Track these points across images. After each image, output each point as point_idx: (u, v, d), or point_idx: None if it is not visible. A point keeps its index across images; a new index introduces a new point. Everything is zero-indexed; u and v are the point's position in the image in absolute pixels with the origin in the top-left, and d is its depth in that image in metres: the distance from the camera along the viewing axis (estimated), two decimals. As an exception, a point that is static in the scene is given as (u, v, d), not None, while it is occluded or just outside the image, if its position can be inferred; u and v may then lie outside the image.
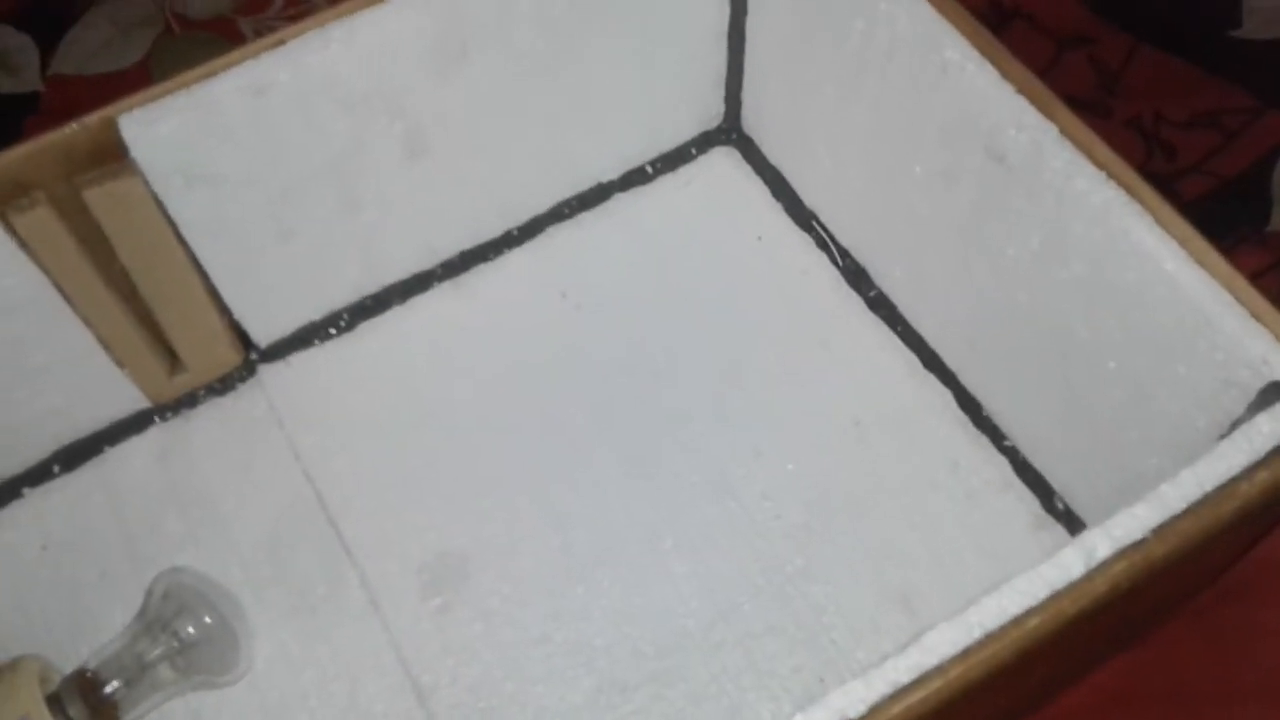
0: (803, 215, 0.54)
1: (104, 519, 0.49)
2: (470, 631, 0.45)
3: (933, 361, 0.50)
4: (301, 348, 0.52)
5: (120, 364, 0.48)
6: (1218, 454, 0.32)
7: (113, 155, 0.42)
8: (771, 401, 0.50)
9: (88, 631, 0.45)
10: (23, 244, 0.42)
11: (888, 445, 0.48)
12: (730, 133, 0.57)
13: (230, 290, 0.48)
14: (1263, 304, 0.35)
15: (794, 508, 0.47)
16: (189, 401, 0.51)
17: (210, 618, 0.43)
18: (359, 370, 0.52)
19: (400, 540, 0.47)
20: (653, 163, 0.56)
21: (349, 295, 0.52)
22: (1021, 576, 0.31)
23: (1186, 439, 0.38)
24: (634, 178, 0.56)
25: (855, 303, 0.52)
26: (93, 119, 0.41)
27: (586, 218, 0.55)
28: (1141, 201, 0.37)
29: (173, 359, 0.50)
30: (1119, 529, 0.31)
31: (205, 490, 0.49)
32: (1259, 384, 0.35)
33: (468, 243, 0.54)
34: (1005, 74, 0.40)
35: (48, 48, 0.64)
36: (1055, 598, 0.30)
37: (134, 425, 0.50)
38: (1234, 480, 0.32)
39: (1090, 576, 0.31)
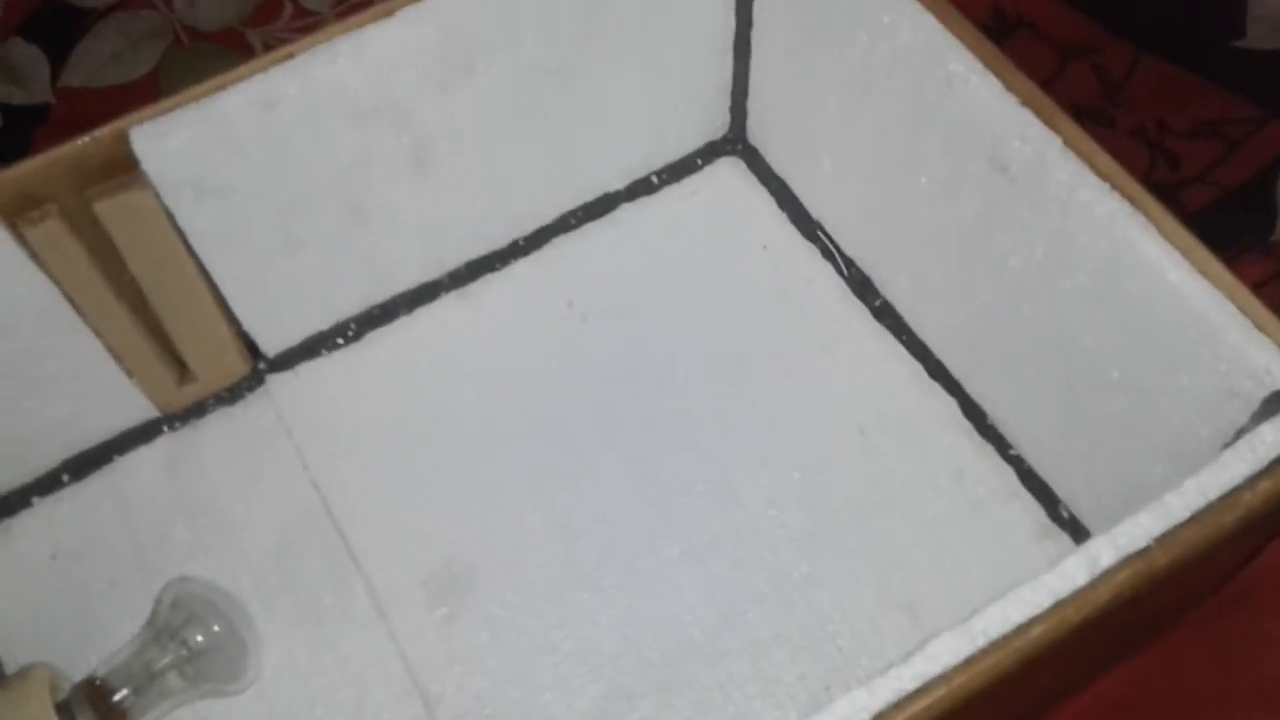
0: (808, 225, 0.55)
1: (113, 528, 0.49)
2: (476, 640, 0.45)
3: (937, 370, 0.50)
4: (309, 357, 0.52)
5: (130, 373, 0.48)
6: (1221, 463, 0.33)
7: (123, 168, 0.42)
8: (777, 410, 0.50)
9: (97, 640, 0.46)
10: (34, 255, 0.42)
11: (893, 453, 0.49)
12: (735, 143, 0.57)
13: (239, 300, 0.49)
14: (1265, 314, 0.36)
15: (799, 515, 0.47)
16: (197, 411, 0.51)
17: (219, 626, 0.43)
18: (366, 380, 0.52)
19: (407, 549, 0.48)
20: (658, 173, 0.56)
21: (356, 305, 0.53)
22: (1025, 585, 0.31)
23: (1190, 448, 0.38)
24: (639, 188, 0.56)
25: (860, 312, 0.52)
26: (104, 132, 0.41)
27: (592, 228, 0.55)
28: (1145, 212, 0.38)
29: (181, 369, 0.50)
30: (1123, 537, 0.31)
31: (213, 499, 0.49)
32: (1262, 394, 0.35)
33: (474, 253, 0.54)
34: (1009, 85, 0.40)
35: (58, 60, 0.65)
36: (1059, 606, 0.30)
37: (143, 434, 0.51)
38: (1237, 489, 0.32)
39: (1094, 585, 0.31)
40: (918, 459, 0.48)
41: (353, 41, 0.43)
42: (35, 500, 0.49)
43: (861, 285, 0.53)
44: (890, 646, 0.44)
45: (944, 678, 0.30)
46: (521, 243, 0.55)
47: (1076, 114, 0.43)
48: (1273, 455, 0.33)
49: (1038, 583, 0.31)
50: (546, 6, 0.46)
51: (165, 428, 0.51)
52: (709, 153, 0.57)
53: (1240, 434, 0.35)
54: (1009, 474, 0.48)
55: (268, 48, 0.64)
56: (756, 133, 0.56)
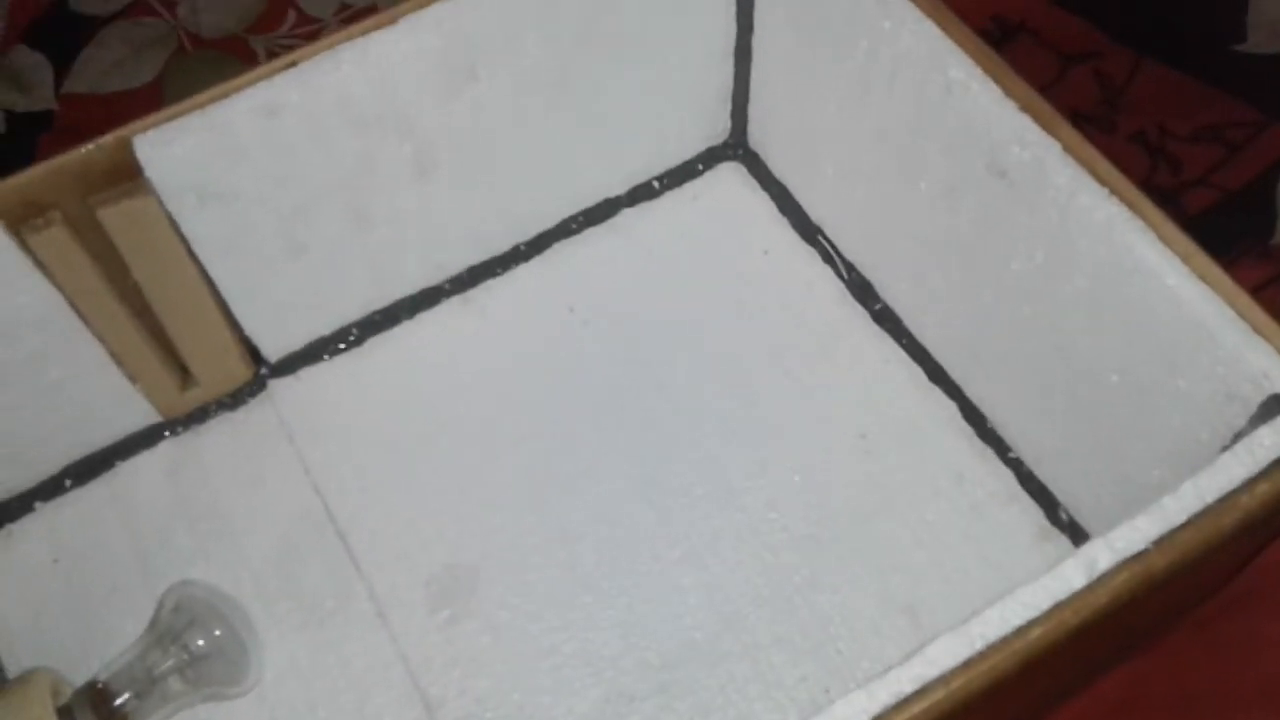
0: (808, 229, 0.55)
1: (115, 532, 0.49)
2: (478, 643, 0.46)
3: (938, 374, 0.50)
4: (311, 362, 0.53)
5: (132, 379, 0.48)
6: (1219, 466, 0.33)
7: (127, 175, 0.42)
8: (777, 414, 0.50)
9: (99, 644, 0.46)
10: (39, 262, 0.42)
11: (893, 457, 0.49)
12: (736, 148, 0.57)
13: (241, 306, 0.49)
14: (1264, 318, 0.36)
15: (800, 519, 0.47)
16: (200, 416, 0.51)
17: (221, 630, 0.43)
18: (368, 384, 0.52)
19: (408, 553, 0.48)
20: (659, 178, 0.57)
21: (358, 310, 0.53)
22: (1024, 588, 0.31)
23: (1189, 451, 0.38)
24: (641, 193, 0.56)
25: (861, 316, 0.52)
26: (108, 139, 0.41)
27: (594, 233, 0.56)
28: (1144, 218, 0.38)
29: (184, 374, 0.50)
30: (1120, 540, 0.31)
31: (215, 504, 0.49)
32: (1260, 397, 0.35)
33: (476, 258, 0.54)
34: (1008, 92, 0.40)
35: (62, 67, 0.65)
36: (1057, 609, 0.31)
37: (145, 439, 0.51)
38: (1234, 492, 0.32)
39: (1092, 588, 0.31)
40: (918, 462, 0.48)
41: (356, 49, 0.44)
42: (38, 505, 0.50)
43: (862, 289, 0.53)
44: (891, 649, 0.44)
45: (942, 680, 0.30)
46: (523, 248, 0.55)
47: (1077, 119, 0.43)
48: (1270, 458, 0.33)
49: (1036, 585, 0.31)
50: (548, 13, 0.47)
51: (167, 433, 0.51)
52: (710, 158, 0.57)
53: (1238, 437, 0.35)
54: (1009, 477, 0.48)
55: (271, 55, 0.64)
56: (757, 138, 0.57)
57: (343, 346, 0.53)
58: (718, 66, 0.54)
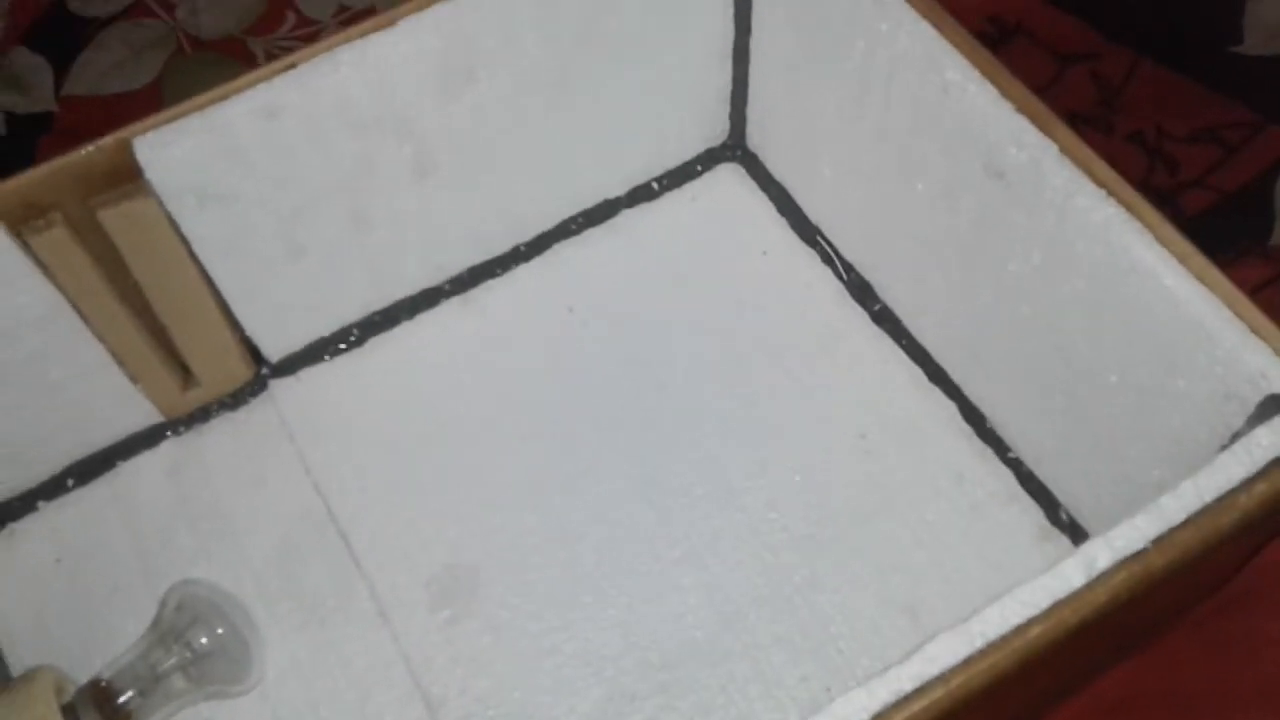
0: (807, 230, 0.55)
1: (117, 532, 0.49)
2: (479, 643, 0.46)
3: (937, 374, 0.50)
4: (312, 362, 0.53)
5: (134, 379, 0.48)
6: (1217, 466, 0.33)
7: (127, 176, 0.42)
8: (777, 414, 0.50)
9: (101, 643, 0.46)
10: (40, 263, 0.42)
11: (893, 457, 0.49)
12: (735, 149, 0.58)
13: (242, 307, 0.49)
14: (1261, 319, 0.36)
15: (800, 519, 0.48)
16: (201, 416, 0.51)
17: (223, 629, 0.43)
18: (368, 384, 0.52)
19: (409, 552, 0.48)
20: (659, 179, 0.57)
21: (359, 311, 0.53)
22: (1023, 586, 0.31)
23: (1188, 451, 0.39)
24: (640, 194, 0.57)
25: (860, 316, 0.53)
26: (108, 141, 0.41)
27: (593, 234, 0.56)
28: (1141, 219, 0.38)
29: (185, 374, 0.50)
30: (1119, 540, 0.32)
31: (217, 503, 0.49)
32: (1258, 397, 0.35)
33: (476, 259, 0.54)
34: (1005, 93, 0.40)
35: (61, 68, 0.65)
36: (1056, 607, 0.31)
37: (147, 439, 0.51)
38: (1233, 492, 0.32)
39: (1091, 586, 0.31)
40: (918, 462, 0.49)
41: (355, 50, 0.44)
42: (40, 504, 0.50)
43: (861, 290, 0.53)
44: (891, 648, 0.44)
45: (942, 679, 0.30)
46: (523, 248, 0.55)
47: (1074, 120, 0.44)
48: (1268, 458, 0.33)
49: (1035, 584, 0.31)
50: (547, 15, 0.47)
51: (169, 433, 0.51)
52: (709, 159, 0.57)
53: (1236, 437, 0.35)
54: (1008, 477, 0.48)
55: (270, 56, 0.64)
56: (756, 139, 0.57)
57: (343, 347, 0.53)
58: (716, 68, 0.54)
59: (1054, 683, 0.40)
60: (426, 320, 0.54)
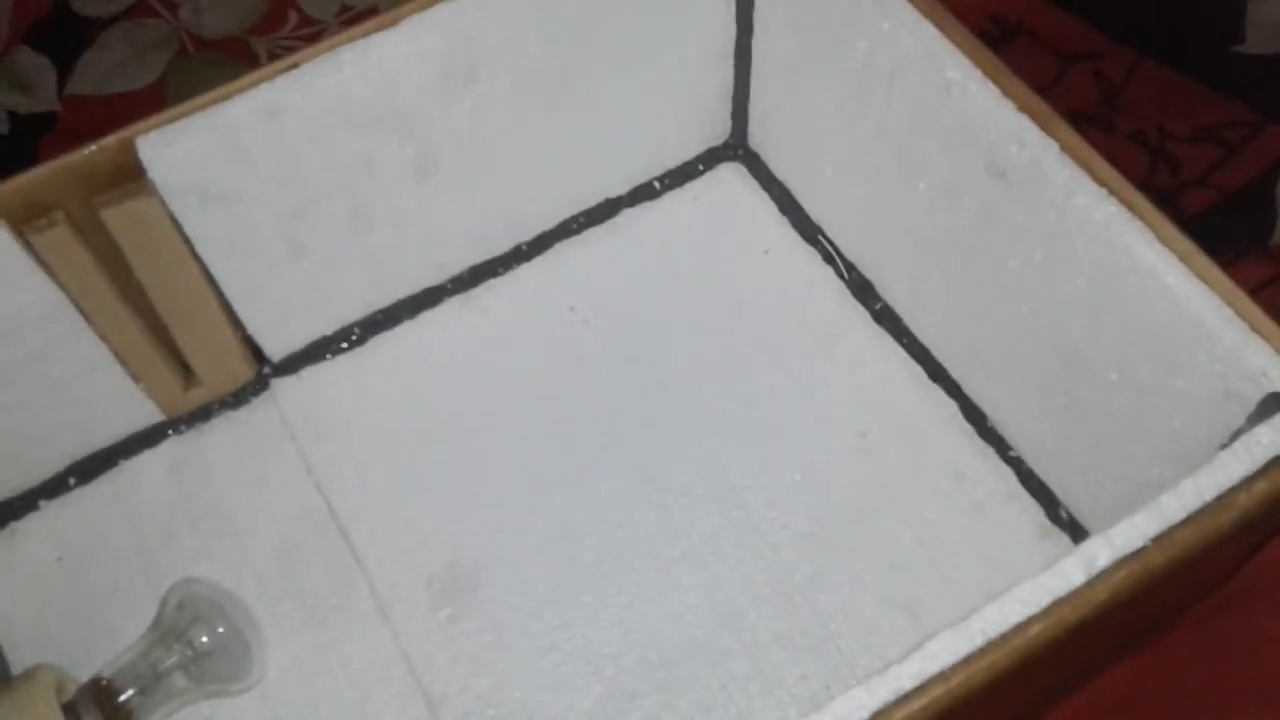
0: (809, 229, 0.55)
1: (119, 531, 0.49)
2: (480, 641, 0.46)
3: (938, 373, 0.50)
4: (313, 361, 0.53)
5: (135, 378, 0.49)
6: (1217, 464, 0.33)
7: (130, 175, 0.42)
8: (778, 413, 0.50)
9: (102, 641, 0.46)
10: (41, 262, 0.42)
11: (894, 456, 0.49)
12: (737, 149, 0.58)
13: (244, 306, 0.49)
14: (1262, 318, 0.36)
15: (800, 517, 0.48)
16: (203, 415, 0.52)
17: (224, 627, 0.43)
18: (370, 383, 0.52)
19: (410, 551, 0.48)
20: (660, 179, 0.57)
21: (360, 310, 0.53)
22: (1023, 585, 0.31)
23: (1188, 449, 0.39)
24: (641, 193, 0.57)
25: (861, 315, 0.53)
26: (111, 141, 0.41)
27: (595, 233, 0.56)
28: (1142, 217, 0.38)
29: (187, 373, 0.50)
30: (1119, 538, 0.32)
31: (218, 502, 0.50)
32: (1258, 396, 0.35)
33: (477, 258, 0.54)
34: (1006, 92, 0.40)
35: (64, 68, 0.65)
36: (1056, 606, 0.31)
37: (148, 438, 0.51)
38: (1233, 490, 0.32)
39: (1091, 585, 0.31)
40: (918, 461, 0.49)
41: (357, 51, 0.44)
42: (42, 503, 0.50)
43: (862, 289, 0.53)
44: (891, 647, 0.44)
45: (942, 676, 0.30)
46: (524, 247, 0.55)
47: (1076, 119, 0.44)
48: (1268, 456, 0.33)
49: (1035, 582, 0.31)
50: (548, 15, 0.47)
51: (170, 432, 0.51)
52: (710, 158, 0.58)
53: (1237, 435, 0.35)
54: (1009, 475, 0.48)
55: (272, 56, 0.64)
56: (757, 138, 0.57)
57: (345, 346, 0.53)
58: (718, 67, 0.54)
59: (1054, 681, 0.40)
60: (428, 319, 0.54)
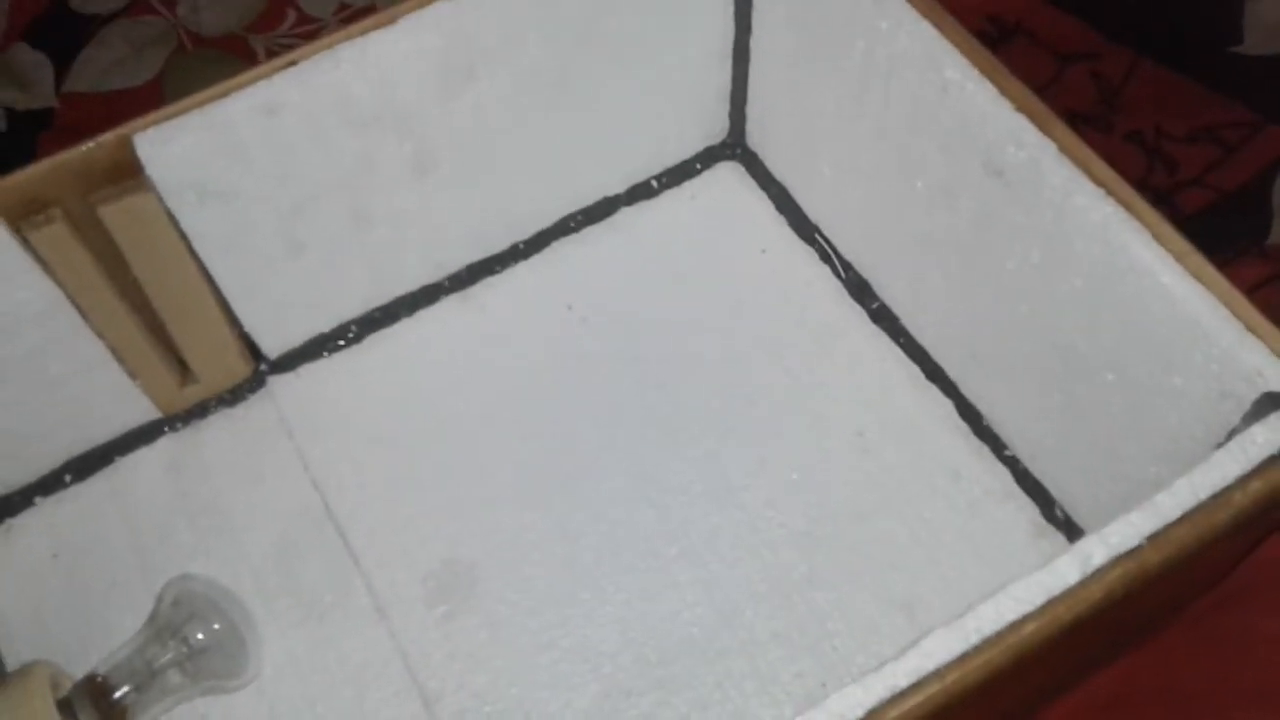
0: (806, 229, 0.55)
1: (115, 528, 0.49)
2: (476, 638, 0.46)
3: (934, 373, 0.51)
4: (310, 359, 0.53)
5: (132, 375, 0.49)
6: (1212, 463, 0.33)
7: (128, 172, 0.42)
8: (775, 412, 0.50)
9: (98, 638, 0.46)
10: (39, 259, 0.42)
11: (890, 455, 0.49)
12: (735, 148, 0.58)
13: (241, 303, 0.49)
14: (1258, 317, 0.36)
15: (797, 516, 0.48)
16: (199, 412, 0.52)
17: (220, 624, 0.43)
18: (367, 381, 0.52)
19: (407, 549, 0.48)
20: (658, 177, 0.57)
21: (358, 308, 0.53)
22: (1018, 583, 0.31)
23: (1184, 449, 0.39)
24: (639, 192, 0.57)
25: (858, 315, 0.53)
26: (109, 137, 0.41)
27: (592, 231, 0.56)
28: (1139, 217, 0.38)
29: (184, 370, 0.50)
30: (1114, 536, 0.32)
31: (215, 500, 0.50)
32: (1254, 395, 0.35)
33: (475, 256, 0.54)
34: (1004, 92, 0.40)
35: (62, 65, 0.65)
36: (1051, 604, 0.31)
37: (145, 435, 0.51)
38: (1228, 489, 0.32)
39: (1086, 583, 0.31)
40: (915, 460, 0.49)
41: (355, 48, 0.44)
42: (38, 500, 0.50)
43: (859, 288, 0.53)
44: (887, 645, 0.44)
45: (938, 674, 0.30)
46: (522, 246, 0.55)
47: (1073, 119, 0.44)
48: (1264, 455, 0.33)
49: (1030, 580, 0.31)
50: (547, 13, 0.47)
51: (167, 429, 0.51)
52: (708, 157, 0.58)
53: (1232, 434, 0.35)
54: (1005, 475, 0.48)
55: (270, 54, 0.64)
56: (755, 137, 0.57)
57: (342, 343, 0.53)
58: (716, 67, 0.54)
59: (1049, 679, 0.40)
60: (426, 317, 0.54)
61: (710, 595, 0.46)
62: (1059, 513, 0.46)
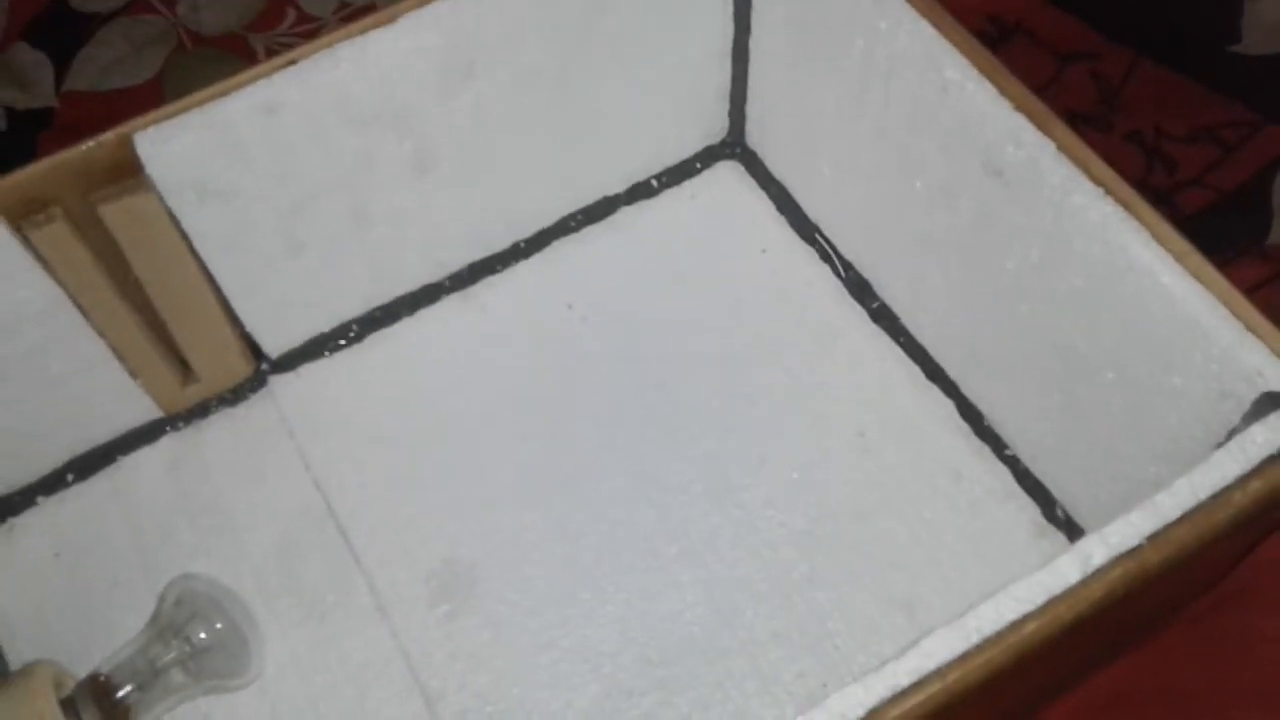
0: (806, 228, 0.55)
1: (117, 527, 0.49)
2: (478, 638, 0.46)
3: (935, 372, 0.51)
4: (311, 358, 0.53)
5: (133, 374, 0.49)
6: (1212, 463, 0.33)
7: (128, 171, 0.42)
8: (776, 411, 0.50)
9: (101, 637, 0.46)
10: (39, 258, 0.42)
11: (891, 455, 0.49)
12: (734, 147, 0.58)
13: (242, 302, 0.49)
14: (1257, 317, 0.36)
15: (798, 516, 0.48)
16: (201, 411, 0.52)
17: (222, 623, 0.43)
18: (368, 381, 0.52)
19: (408, 548, 0.48)
20: (658, 177, 0.57)
21: (358, 307, 0.53)
22: (1019, 583, 0.31)
23: (1184, 448, 0.39)
24: (639, 191, 0.57)
25: (858, 314, 0.53)
26: (109, 137, 0.41)
27: (592, 231, 0.56)
28: (1138, 217, 0.38)
29: (185, 369, 0.50)
30: (1115, 536, 0.32)
31: (216, 499, 0.50)
32: (1253, 395, 0.36)
33: (475, 255, 0.54)
34: (1003, 91, 0.40)
35: (62, 64, 0.65)
36: (1052, 604, 0.31)
37: (147, 435, 0.51)
38: (1228, 489, 0.33)
39: (1086, 583, 0.31)
40: (915, 459, 0.49)
41: (355, 47, 0.44)
42: (40, 499, 0.50)
43: (859, 287, 0.53)
44: (888, 645, 0.45)
45: (938, 674, 0.30)
46: (522, 245, 0.55)
47: (1073, 119, 0.44)
48: (1263, 455, 0.33)
49: (1031, 580, 0.31)
50: (547, 13, 0.47)
51: (168, 428, 0.51)
52: (708, 156, 0.58)
53: (1232, 434, 0.35)
54: (1005, 474, 0.48)
55: (270, 53, 0.64)
56: (755, 137, 0.57)
57: (343, 343, 0.53)
58: (716, 66, 0.54)
59: (1049, 679, 0.41)
60: (426, 316, 0.54)
61: (710, 595, 0.46)
62: (1060, 512, 0.46)
